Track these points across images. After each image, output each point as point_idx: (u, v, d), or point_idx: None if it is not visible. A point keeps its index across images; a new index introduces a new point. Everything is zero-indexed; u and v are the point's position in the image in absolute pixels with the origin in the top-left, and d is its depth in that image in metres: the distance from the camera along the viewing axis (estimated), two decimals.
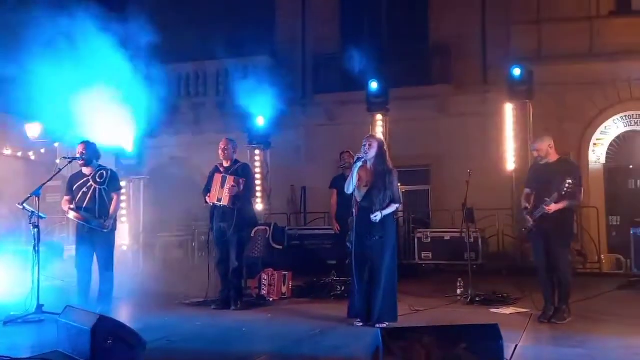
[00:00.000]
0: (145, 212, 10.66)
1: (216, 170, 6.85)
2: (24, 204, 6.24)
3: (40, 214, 6.28)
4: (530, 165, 6.51)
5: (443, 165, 13.00)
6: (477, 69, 13.33)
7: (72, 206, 6.42)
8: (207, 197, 6.77)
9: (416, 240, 10.72)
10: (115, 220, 6.67)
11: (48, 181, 6.50)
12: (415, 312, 6.37)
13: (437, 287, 8.12)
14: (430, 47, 13.57)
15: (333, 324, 5.80)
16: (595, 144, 12.87)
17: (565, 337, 5.33)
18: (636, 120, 12.49)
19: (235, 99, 10.20)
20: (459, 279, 7.53)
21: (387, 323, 5.42)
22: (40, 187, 6.32)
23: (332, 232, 8.80)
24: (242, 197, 6.75)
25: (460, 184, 7.71)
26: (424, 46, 13.57)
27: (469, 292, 7.16)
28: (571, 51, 12.54)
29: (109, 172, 6.63)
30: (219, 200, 6.66)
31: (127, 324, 4.71)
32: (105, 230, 6.44)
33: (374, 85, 10.81)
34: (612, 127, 12.85)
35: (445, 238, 10.51)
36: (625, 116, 12.68)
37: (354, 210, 5.87)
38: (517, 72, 10.49)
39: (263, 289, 7.41)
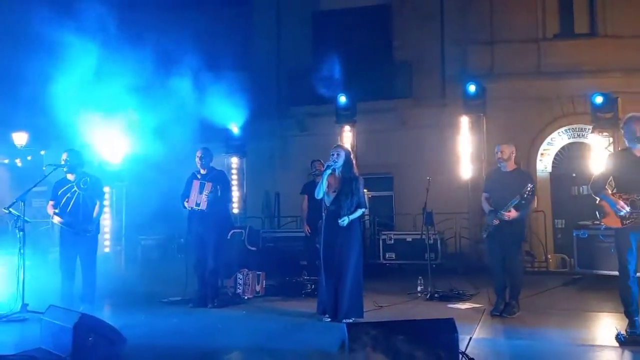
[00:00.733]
0: (127, 216, 10.51)
1: (194, 177, 6.80)
2: (10, 209, 6.10)
3: (25, 218, 6.15)
4: (487, 172, 6.61)
5: (405, 172, 13.07)
6: (436, 84, 13.43)
7: (56, 210, 6.32)
8: (185, 202, 6.71)
9: (381, 241, 10.73)
10: (98, 224, 6.57)
11: (33, 187, 6.37)
12: (380, 307, 6.40)
13: (400, 284, 8.13)
14: (393, 64, 13.66)
15: (303, 320, 5.81)
16: (542, 154, 13.08)
17: (515, 329, 5.41)
18: (579, 133, 12.70)
19: (214, 110, 10.14)
20: (420, 277, 7.57)
21: (353, 318, 5.43)
22: (26, 193, 6.20)
23: (303, 234, 8.78)
24: (219, 202, 6.72)
25: (420, 190, 7.77)
26: (388, 63, 13.66)
27: (429, 289, 7.23)
28: (521, 70, 12.76)
29: (92, 179, 6.54)
30: (197, 204, 6.61)
31: (109, 322, 4.63)
32: (88, 234, 6.34)
33: (342, 99, 10.83)
34: (557, 139, 13.08)
35: (407, 239, 10.54)
36: (569, 129, 12.91)
37: (323, 214, 5.89)
38: (472, 88, 10.57)
39: (238, 288, 7.37)
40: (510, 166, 6.27)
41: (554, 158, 13.15)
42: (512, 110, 12.41)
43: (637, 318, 4.89)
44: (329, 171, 5.74)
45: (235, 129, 10.97)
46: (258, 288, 7.45)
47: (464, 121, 10.86)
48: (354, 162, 5.94)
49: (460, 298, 7.04)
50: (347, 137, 10.80)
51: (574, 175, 12.63)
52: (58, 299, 6.04)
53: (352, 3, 13.96)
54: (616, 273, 5.17)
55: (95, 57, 7.98)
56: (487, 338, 5.01)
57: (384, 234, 10.85)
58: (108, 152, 9.21)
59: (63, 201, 6.36)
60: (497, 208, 6.05)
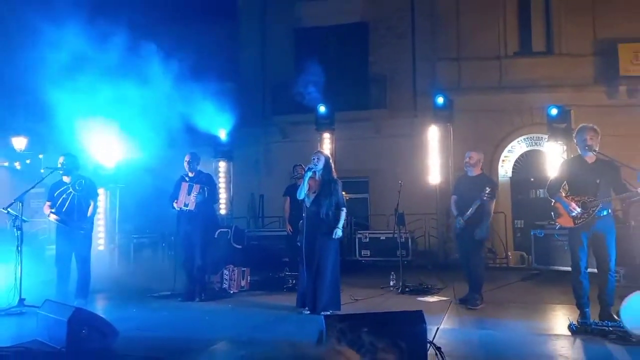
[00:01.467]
0: (121, 216, 10.36)
1: (182, 179, 6.74)
2: (8, 209, 5.98)
3: (23, 218, 6.03)
4: (457, 177, 6.70)
5: (379, 177, 13.12)
6: (408, 96, 13.49)
7: (52, 210, 6.23)
8: (174, 203, 6.64)
9: (357, 240, 10.75)
10: (92, 223, 6.49)
11: (31, 188, 6.26)
12: (355, 301, 6.39)
13: (374, 279, 8.13)
14: (369, 77, 13.69)
15: (285, 313, 5.78)
16: (503, 161, 13.23)
17: (479, 320, 5.44)
18: (536, 141, 12.88)
19: (203, 119, 10.08)
20: (392, 273, 7.58)
21: (330, 311, 5.41)
22: (24, 194, 6.08)
23: (285, 233, 8.75)
24: (206, 203, 6.66)
25: (393, 193, 7.78)
26: (364, 77, 13.70)
27: (400, 283, 7.24)
28: (484, 84, 12.92)
29: (87, 181, 6.46)
30: (186, 205, 6.55)
31: (102, 315, 4.56)
32: (83, 232, 6.25)
33: (322, 108, 10.84)
34: (517, 147, 13.24)
35: (381, 238, 10.57)
36: (527, 138, 13.08)
37: (304, 215, 5.88)
38: (440, 100, 10.68)
39: (225, 283, 7.31)
40: (476, 171, 6.36)
41: (514, 164, 13.31)
42: (477, 120, 12.54)
43: (587, 309, 4.97)
44: (309, 174, 5.74)
45: (223, 136, 10.94)
46: (243, 283, 7.40)
47: (433, 130, 10.94)
48: (332, 166, 5.94)
49: (429, 292, 7.08)
50: (327, 144, 10.80)
51: (532, 179, 12.79)
52: (54, 294, 5.94)
53: (331, 21, 13.98)
54: (569, 269, 5.24)
55: (92, 67, 7.88)
56: (453, 328, 5.03)
57: (360, 233, 10.89)
58: (103, 156, 9.08)
59: (59, 202, 6.27)
60: (463, 210, 6.15)
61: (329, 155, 6.12)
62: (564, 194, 5.12)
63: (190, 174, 6.75)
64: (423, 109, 12.19)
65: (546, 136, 10.06)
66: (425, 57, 13.44)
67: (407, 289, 7.12)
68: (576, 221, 4.96)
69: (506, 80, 12.94)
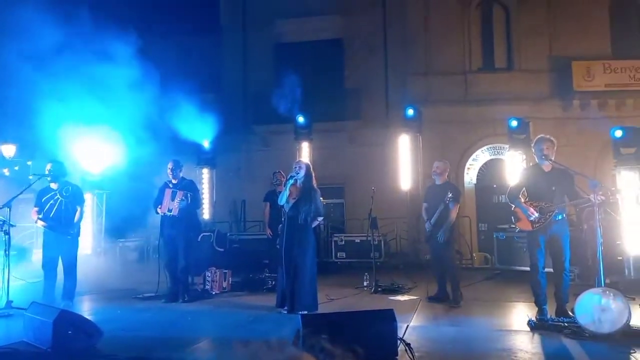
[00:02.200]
0: (107, 221, 10.17)
1: (166, 186, 6.64)
2: None
3: (11, 223, 5.87)
4: (427, 187, 6.79)
5: (354, 183, 13.15)
6: (381, 108, 13.58)
7: (40, 216, 6.09)
8: (158, 209, 6.54)
9: (333, 242, 10.73)
10: (79, 228, 6.34)
11: (19, 194, 6.08)
12: (331, 300, 6.39)
13: (349, 280, 8.12)
14: (344, 90, 13.74)
15: (264, 312, 5.74)
16: (468, 168, 13.39)
17: (445, 317, 5.50)
18: (498, 151, 13.07)
19: (188, 127, 9.99)
20: (366, 274, 7.59)
21: (307, 310, 5.40)
22: (12, 200, 5.91)
23: (265, 237, 8.68)
24: (189, 208, 6.58)
25: (367, 198, 7.81)
26: (340, 89, 13.75)
27: (373, 283, 7.26)
28: (451, 97, 13.08)
29: (74, 187, 6.33)
30: (170, 210, 6.46)
31: (87, 317, 4.47)
32: (69, 237, 6.11)
33: (300, 119, 10.83)
34: (481, 156, 13.43)
35: (356, 241, 10.57)
36: (490, 147, 13.27)
37: (283, 219, 5.87)
38: (410, 111, 10.75)
39: (207, 284, 7.21)
40: (442, 180, 6.46)
41: (478, 172, 13.49)
42: (444, 131, 12.67)
43: (545, 307, 5.07)
44: (291, 181, 5.74)
45: (206, 144, 10.84)
46: (225, 284, 7.32)
47: (404, 139, 11.00)
48: (313, 174, 5.95)
49: (400, 291, 7.11)
50: (305, 152, 10.78)
51: (494, 186, 12.97)
52: (40, 296, 5.79)
53: (309, 37, 14.01)
54: (528, 269, 5.33)
55: (79, 77, 7.74)
56: (421, 325, 5.06)
57: (336, 236, 10.87)
58: (90, 163, 8.91)
59: (46, 207, 6.13)
60: (431, 215, 6.26)
61: (310, 165, 6.12)
62: (523, 200, 5.22)
63: (173, 181, 6.66)
64: (394, 119, 12.26)
65: (507, 146, 10.21)
66: (397, 71, 13.55)
67: (379, 289, 7.14)
68: (534, 225, 5.06)
69: (471, 94, 13.14)
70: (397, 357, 3.68)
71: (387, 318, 3.65)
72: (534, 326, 4.75)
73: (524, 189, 5.28)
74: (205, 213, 11.00)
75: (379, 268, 7.77)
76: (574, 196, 5.04)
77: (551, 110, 12.66)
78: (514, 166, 9.16)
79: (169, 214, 6.46)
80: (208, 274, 7.26)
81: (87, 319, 4.31)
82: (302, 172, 5.76)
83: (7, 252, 5.78)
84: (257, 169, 13.11)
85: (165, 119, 9.30)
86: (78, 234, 6.32)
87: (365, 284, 7.47)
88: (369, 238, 8.48)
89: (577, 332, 4.41)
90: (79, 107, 7.78)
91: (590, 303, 4.38)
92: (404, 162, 10.98)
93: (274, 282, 7.17)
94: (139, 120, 8.51)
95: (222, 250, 9.50)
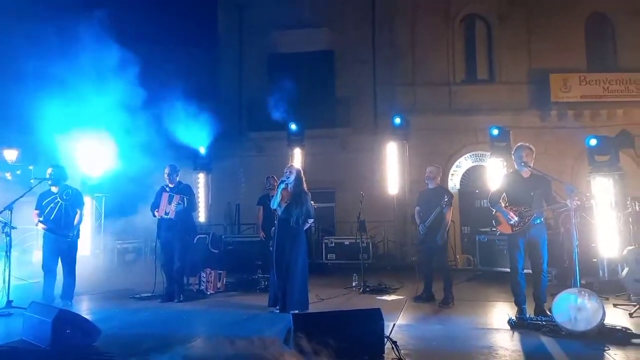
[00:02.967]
0: (106, 223, 10.06)
1: (163, 190, 6.59)
2: None
3: (12, 225, 5.78)
4: (419, 191, 6.78)
5: (344, 188, 13.15)
6: (370, 116, 13.62)
7: (40, 219, 6.02)
8: (155, 212, 6.49)
9: (324, 244, 10.71)
10: (78, 230, 6.27)
11: (20, 197, 5.99)
12: (321, 300, 6.36)
13: (339, 280, 8.09)
14: (335, 99, 13.78)
15: (257, 312, 5.70)
16: (452, 174, 13.47)
17: (429, 316, 5.49)
18: (480, 158, 13.15)
19: (185, 134, 9.95)
20: (354, 274, 7.57)
21: (298, 310, 5.37)
22: (13, 202, 5.83)
23: (258, 239, 8.63)
24: (185, 212, 6.53)
25: (356, 203, 7.82)
26: (331, 98, 13.78)
27: (362, 284, 7.25)
28: (436, 107, 13.18)
29: (74, 191, 6.26)
30: (167, 214, 6.41)
31: (86, 316, 4.41)
32: (69, 239, 6.04)
33: (293, 126, 10.82)
34: (464, 162, 13.51)
35: (345, 243, 10.56)
36: (472, 154, 13.36)
37: (276, 222, 5.84)
38: (398, 120, 10.77)
39: (202, 285, 7.15)
40: (434, 184, 6.47)
41: (462, 177, 13.56)
42: (429, 138, 12.76)
43: (524, 306, 5.08)
44: (282, 185, 5.72)
45: (202, 150, 10.79)
46: (219, 285, 7.27)
47: (392, 147, 11.02)
48: (303, 179, 5.92)
49: (387, 291, 7.10)
50: (297, 158, 10.76)
51: (476, 191, 13.03)
52: (40, 296, 5.71)
53: (302, 48, 14.05)
54: (508, 270, 5.35)
55: (80, 85, 7.69)
56: (408, 324, 5.04)
57: (326, 239, 10.86)
58: (90, 167, 8.83)
59: (47, 210, 6.06)
60: (424, 218, 6.25)
61: (300, 169, 6.11)
62: (503, 204, 5.24)
63: (170, 185, 6.60)
64: (383, 127, 12.28)
65: (489, 153, 10.23)
66: (385, 82, 13.62)
67: (367, 289, 7.12)
68: (514, 228, 5.08)
69: (455, 104, 13.25)
70: (384, 355, 3.67)
71: (375, 317, 3.64)
72: (513, 325, 4.76)
73: (504, 194, 5.30)
74: (201, 216, 10.93)
75: (367, 269, 7.75)
76: (551, 201, 5.07)
77: (530, 119, 12.79)
78: (495, 172, 9.20)
79: (165, 216, 6.41)
80: (203, 274, 7.20)
81: (85, 318, 4.25)
82: (293, 177, 5.74)
83: (8, 253, 5.69)
84: (251, 174, 13.09)
85: (163, 125, 9.25)
86: (77, 236, 6.25)
87: (354, 284, 7.46)
88: (357, 240, 8.50)
89: (555, 330, 4.42)
90: (80, 114, 7.72)
91: (566, 303, 4.40)
92: (392, 168, 11.00)
93: (266, 283, 7.13)
94: (138, 127, 8.45)
95: (217, 251, 9.43)
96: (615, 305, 5.78)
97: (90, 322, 4.19)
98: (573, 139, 11.72)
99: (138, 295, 6.71)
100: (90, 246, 9.61)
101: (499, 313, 5.56)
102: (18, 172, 13.23)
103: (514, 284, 5.14)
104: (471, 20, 13.89)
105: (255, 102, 13.30)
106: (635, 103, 12.30)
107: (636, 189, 9.64)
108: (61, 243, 6.01)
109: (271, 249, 5.97)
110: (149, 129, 8.59)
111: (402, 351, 3.74)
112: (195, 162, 10.95)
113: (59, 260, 6.09)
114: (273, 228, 5.99)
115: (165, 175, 6.59)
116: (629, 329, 4.46)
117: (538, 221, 5.04)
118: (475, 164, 13.37)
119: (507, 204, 5.22)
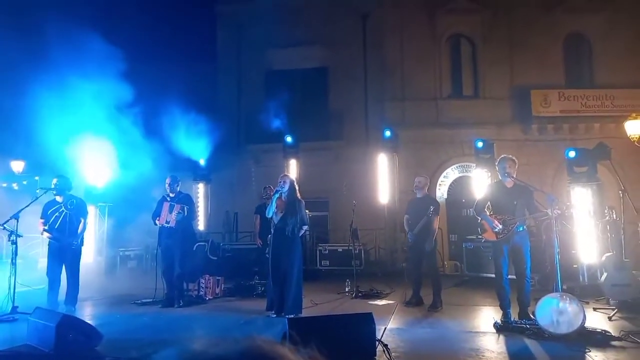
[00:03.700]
0: (109, 231, 9.98)
1: (164, 199, 6.56)
2: (4, 225, 5.67)
3: (18, 233, 5.72)
4: (409, 200, 6.80)
5: (337, 198, 13.12)
6: (361, 130, 13.68)
7: (45, 227, 5.96)
8: (156, 220, 6.45)
9: (318, 251, 10.68)
10: (82, 238, 6.21)
11: (26, 207, 5.94)
12: (315, 305, 6.32)
13: (332, 286, 8.05)
14: (328, 113, 13.83)
15: (254, 316, 5.66)
16: (440, 185, 13.50)
17: (420, 321, 5.46)
18: (466, 169, 13.22)
19: (185, 146, 9.94)
20: (347, 280, 7.54)
21: (294, 314, 5.34)
22: (19, 212, 5.78)
23: (256, 246, 8.61)
24: (186, 220, 6.50)
25: (349, 211, 7.82)
26: (324, 113, 13.83)
27: (354, 289, 7.22)
28: (424, 121, 13.25)
29: (78, 200, 6.22)
30: (167, 222, 6.37)
31: (88, 321, 4.36)
32: (73, 247, 5.98)
33: (288, 139, 10.84)
34: (451, 173, 13.56)
35: (339, 250, 10.53)
36: (459, 166, 13.43)
37: (272, 230, 5.82)
38: (388, 133, 10.82)
39: (201, 290, 7.09)
40: (422, 193, 6.49)
41: (449, 187, 13.59)
42: (418, 150, 12.81)
43: (509, 310, 5.08)
44: (277, 195, 5.70)
45: (202, 161, 10.78)
46: (218, 290, 7.22)
47: (382, 158, 11.07)
48: (297, 187, 5.91)
49: (378, 296, 7.08)
50: (293, 169, 10.77)
51: (463, 200, 13.07)
52: (44, 302, 5.63)
53: (297, 65, 14.13)
54: (493, 275, 5.36)
55: (85, 99, 7.67)
56: (398, 327, 5.03)
57: (321, 246, 10.83)
58: (94, 177, 8.78)
59: (52, 219, 6.00)
60: (413, 226, 6.26)
61: (294, 179, 6.11)
62: (488, 213, 5.26)
63: (171, 195, 6.58)
64: (374, 140, 12.34)
65: (474, 164, 10.32)
66: (376, 97, 13.71)
67: (360, 294, 7.10)
68: (498, 236, 5.10)
69: (442, 118, 13.33)
70: (376, 357, 3.65)
71: (367, 321, 3.62)
72: (499, 328, 4.76)
73: (489, 203, 5.32)
74: (200, 224, 10.89)
75: (359, 275, 7.72)
76: (533, 210, 5.10)
77: (513, 133, 12.89)
78: (480, 182, 9.25)
79: (166, 225, 6.38)
80: (202, 280, 7.15)
81: (88, 323, 4.20)
82: (287, 186, 5.73)
83: (13, 261, 5.63)
84: (249, 184, 13.06)
85: (164, 138, 9.24)
86: (81, 244, 6.19)
87: (346, 289, 7.43)
88: (350, 247, 8.48)
89: (538, 332, 4.43)
90: (85, 127, 7.69)
91: (549, 306, 4.41)
92: (382, 178, 11.03)
93: (263, 288, 7.09)
94: (141, 139, 8.44)
95: (215, 258, 9.37)
96: (595, 309, 5.80)
97: (92, 327, 4.14)
98: (553, 151, 11.82)
99: (139, 301, 6.64)
100: (94, 253, 9.52)
101: (485, 317, 5.56)
102: (24, 183, 13.09)
103: (499, 289, 5.15)
104: (457, 40, 14.05)
105: (253, 116, 13.32)
106: (610, 117, 12.44)
107: (613, 198, 9.71)
108: (65, 251, 5.95)
109: (268, 256, 5.94)
110: (152, 141, 8.57)
111: (393, 354, 3.73)
112: (196, 172, 10.94)
113: (63, 267, 6.02)
114: (269, 236, 5.96)
115: (167, 185, 6.57)
116: (608, 332, 4.47)
117: (521, 229, 5.06)
118: (461, 174, 13.42)
119: (491, 213, 5.24)
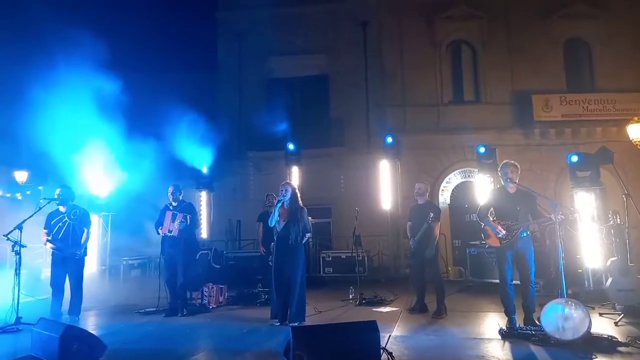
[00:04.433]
0: (112, 241, 9.99)
1: (167, 208, 6.55)
2: (8, 236, 5.68)
3: (22, 243, 5.73)
4: (411, 207, 6.77)
5: (340, 204, 13.14)
6: (363, 136, 13.69)
7: (48, 238, 5.97)
8: (159, 229, 6.44)
9: (321, 258, 10.65)
10: (85, 248, 6.21)
11: (29, 217, 5.94)
12: (319, 312, 6.28)
13: (336, 293, 8.00)
14: (330, 120, 13.85)
15: (258, 324, 5.63)
16: (442, 190, 13.51)
17: (424, 328, 5.42)
18: (468, 174, 13.24)
19: (188, 154, 9.98)
20: (351, 287, 7.50)
21: (297, 322, 5.32)
22: (22, 222, 5.78)
23: (259, 254, 8.58)
24: (188, 229, 6.49)
25: (352, 218, 7.80)
26: (326, 120, 13.86)
27: (358, 296, 7.18)
28: (425, 127, 13.28)
29: (81, 210, 6.22)
30: (170, 231, 6.37)
31: (92, 331, 4.35)
32: (76, 257, 5.98)
33: (290, 146, 10.85)
34: (453, 179, 13.57)
35: (342, 257, 10.51)
36: (461, 171, 13.44)
37: (275, 238, 5.81)
38: (389, 139, 10.81)
39: (204, 299, 7.06)
40: (423, 200, 6.48)
41: (451, 193, 13.59)
42: (420, 156, 12.83)
43: (514, 316, 5.05)
44: (279, 204, 5.70)
45: (204, 169, 10.80)
46: (221, 299, 7.19)
47: (384, 164, 11.06)
48: (299, 195, 5.90)
49: (382, 303, 7.04)
50: (295, 176, 10.77)
51: (466, 206, 12.96)
52: (48, 312, 5.63)
53: (298, 73, 14.19)
54: (497, 281, 5.33)
55: (88, 109, 7.72)
56: (402, 335, 4.99)
57: (324, 253, 10.81)
58: (97, 187, 8.81)
59: (55, 229, 6.01)
60: (415, 233, 6.25)
61: (295, 186, 6.10)
62: (491, 219, 5.24)
63: (173, 203, 6.58)
64: (375, 146, 12.35)
65: (476, 170, 10.31)
66: (377, 103, 13.75)
67: (363, 301, 7.06)
68: (502, 241, 5.07)
69: (443, 123, 13.35)
70: None
71: (371, 329, 3.60)
72: (504, 334, 4.72)
73: (492, 208, 5.31)
74: (203, 232, 10.89)
75: (363, 282, 7.69)
76: (537, 215, 5.08)
77: (514, 138, 12.89)
78: (483, 188, 9.23)
79: (169, 234, 6.37)
80: (205, 289, 7.13)
81: (91, 334, 4.19)
82: (289, 195, 5.72)
83: (17, 271, 5.63)
84: (251, 192, 13.10)
85: (167, 146, 9.28)
86: (85, 254, 6.19)
87: (350, 296, 7.38)
88: (353, 254, 8.46)
89: (543, 339, 4.39)
90: (88, 137, 7.73)
91: (554, 312, 4.38)
92: (385, 184, 11.02)
93: (266, 296, 7.06)
94: (143, 148, 8.48)
95: (218, 267, 9.36)
96: (601, 314, 5.76)
97: (96, 337, 4.13)
98: (555, 156, 11.81)
99: (143, 310, 6.61)
100: (97, 263, 9.52)
101: (490, 323, 5.52)
102: (28, 192, 13.19)
103: (503, 295, 5.12)
104: (457, 46, 14.10)
105: (255, 124, 13.35)
106: (612, 121, 12.43)
107: (617, 202, 9.69)
108: (69, 261, 5.95)
109: (271, 263, 5.92)
110: (154, 150, 8.61)
111: None
112: (198, 181, 10.95)
113: (67, 277, 6.02)
114: (272, 243, 5.95)
115: (169, 194, 6.58)
116: (614, 337, 4.43)
117: (525, 234, 5.04)
118: (464, 180, 13.42)
119: (494, 218, 5.22)
